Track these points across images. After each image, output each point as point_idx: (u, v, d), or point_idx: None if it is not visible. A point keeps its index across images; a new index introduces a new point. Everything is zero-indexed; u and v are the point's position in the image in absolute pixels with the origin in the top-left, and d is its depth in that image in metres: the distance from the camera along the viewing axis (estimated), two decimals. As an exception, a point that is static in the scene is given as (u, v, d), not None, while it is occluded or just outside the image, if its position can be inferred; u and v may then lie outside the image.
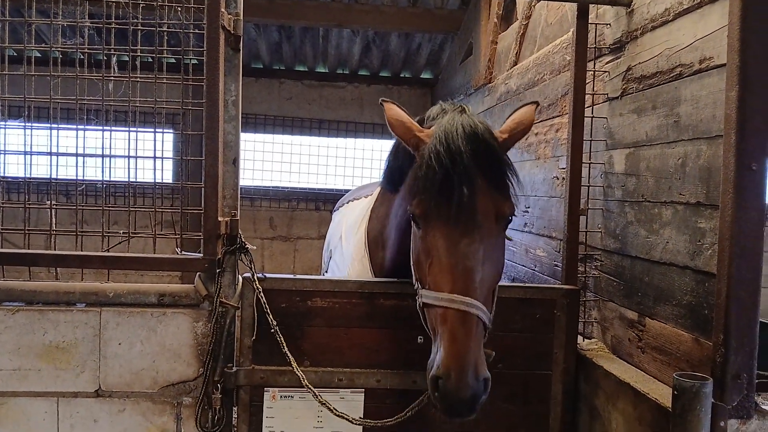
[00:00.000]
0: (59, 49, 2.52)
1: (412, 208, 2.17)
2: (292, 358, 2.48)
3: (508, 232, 2.31)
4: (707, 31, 2.19)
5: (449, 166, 2.07)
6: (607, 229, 2.88)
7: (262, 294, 2.49)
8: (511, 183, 2.17)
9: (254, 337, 2.53)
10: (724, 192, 1.94)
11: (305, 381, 2.45)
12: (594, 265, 3.02)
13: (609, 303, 2.84)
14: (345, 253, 3.71)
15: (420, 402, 2.46)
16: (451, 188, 2.06)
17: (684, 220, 2.28)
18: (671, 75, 2.39)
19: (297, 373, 2.45)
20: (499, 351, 2.64)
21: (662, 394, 2.19)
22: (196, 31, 2.54)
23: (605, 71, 2.96)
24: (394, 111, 2.41)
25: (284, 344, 2.48)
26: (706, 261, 2.14)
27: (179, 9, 2.53)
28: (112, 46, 2.55)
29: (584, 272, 3.03)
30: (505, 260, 2.88)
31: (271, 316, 2.48)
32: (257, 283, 2.50)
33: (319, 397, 2.43)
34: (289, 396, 2.56)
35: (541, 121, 4.00)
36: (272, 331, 2.48)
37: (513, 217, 2.18)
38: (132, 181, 2.59)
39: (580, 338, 2.83)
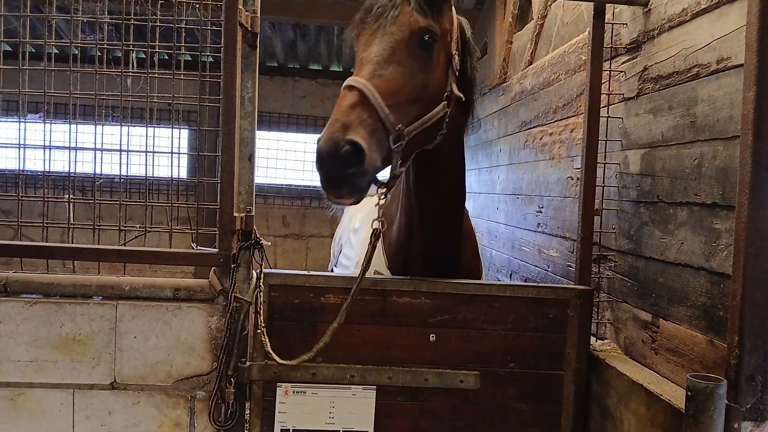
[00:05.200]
0: (78, 45, 2.55)
1: (351, 36, 2.36)
2: (273, 353, 2.45)
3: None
4: (725, 31, 2.17)
5: None
6: (622, 230, 2.87)
7: (262, 292, 2.51)
8: (435, 7, 2.28)
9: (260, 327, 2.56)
10: (740, 193, 1.92)
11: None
12: (608, 265, 3.01)
13: (622, 304, 2.83)
14: (356, 245, 3.73)
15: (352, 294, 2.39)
16: (373, 7, 2.26)
17: (699, 221, 2.26)
18: (688, 75, 2.38)
19: (274, 358, 2.46)
20: (512, 350, 2.65)
21: (675, 395, 2.18)
22: (214, 28, 2.57)
23: (621, 71, 2.95)
24: None
25: (268, 344, 2.46)
26: (721, 262, 2.13)
27: (197, 6, 2.55)
28: (131, 43, 2.58)
29: (598, 273, 3.02)
30: (477, 244, 2.97)
31: (261, 316, 2.49)
32: (262, 280, 2.52)
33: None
34: (301, 392, 2.58)
35: (555, 120, 4.00)
36: (258, 331, 2.49)
37: (429, 36, 2.24)
38: (149, 177, 2.62)
39: (592, 339, 2.82)
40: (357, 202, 2.11)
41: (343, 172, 1.93)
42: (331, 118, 2.00)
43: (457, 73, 2.41)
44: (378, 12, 2.26)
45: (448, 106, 2.34)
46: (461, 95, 2.41)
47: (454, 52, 2.39)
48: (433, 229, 2.74)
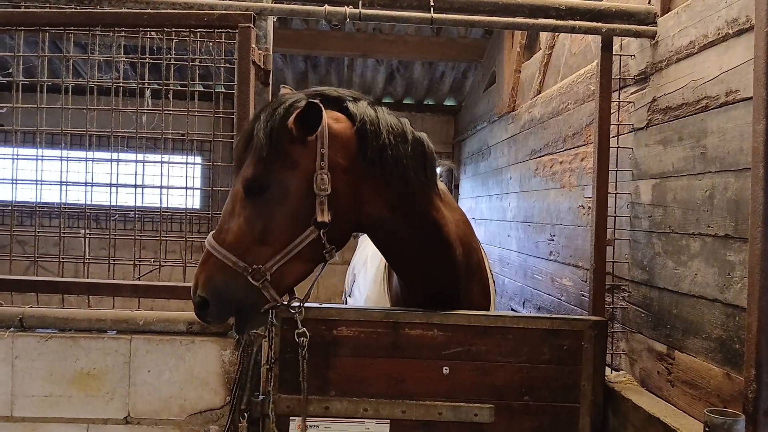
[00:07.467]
0: (96, 84, 2.61)
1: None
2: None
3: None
4: (733, 64, 2.19)
5: None
6: (635, 260, 2.86)
7: (274, 325, 2.52)
8: (264, 155, 2.26)
9: (276, 363, 2.56)
10: (752, 225, 1.92)
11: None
12: (621, 295, 2.99)
13: (637, 335, 2.81)
14: (368, 276, 3.74)
15: None
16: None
17: (713, 253, 2.26)
18: (697, 107, 2.39)
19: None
20: (527, 383, 2.63)
21: (693, 429, 2.15)
22: (228, 65, 2.62)
23: (630, 102, 2.97)
24: None
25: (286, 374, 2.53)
26: (735, 294, 2.12)
27: (211, 44, 2.61)
28: (146, 81, 2.64)
29: (612, 303, 3.00)
30: (488, 278, 3.05)
31: (274, 350, 2.52)
32: (274, 313, 2.51)
33: None
34: (314, 426, 2.56)
35: (565, 149, 4.01)
36: (268, 367, 2.52)
37: (256, 186, 2.29)
38: (164, 211, 2.65)
39: (608, 370, 2.80)
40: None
41: (204, 318, 2.30)
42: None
43: (325, 191, 2.29)
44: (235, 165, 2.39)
45: (321, 228, 2.32)
46: (327, 219, 2.31)
47: (318, 172, 2.29)
48: (420, 287, 2.70)
